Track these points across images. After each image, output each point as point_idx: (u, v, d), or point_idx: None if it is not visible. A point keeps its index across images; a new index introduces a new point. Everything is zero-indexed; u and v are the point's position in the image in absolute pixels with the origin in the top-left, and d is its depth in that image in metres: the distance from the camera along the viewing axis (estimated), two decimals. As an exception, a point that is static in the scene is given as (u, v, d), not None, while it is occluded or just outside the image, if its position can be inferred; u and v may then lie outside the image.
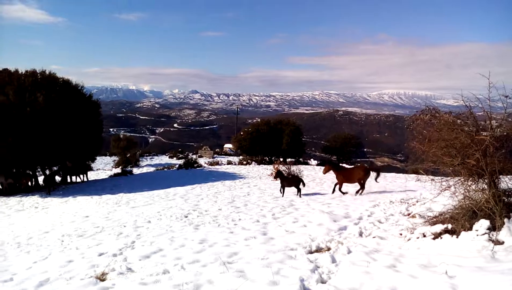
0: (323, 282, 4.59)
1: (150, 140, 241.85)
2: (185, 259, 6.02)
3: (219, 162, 32.81)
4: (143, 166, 36.28)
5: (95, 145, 23.10)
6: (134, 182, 20.32)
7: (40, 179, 22.04)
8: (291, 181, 12.73)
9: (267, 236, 7.15)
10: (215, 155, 47.20)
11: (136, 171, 30.02)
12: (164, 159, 44.50)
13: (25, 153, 17.79)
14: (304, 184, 12.67)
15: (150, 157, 47.36)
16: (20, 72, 19.97)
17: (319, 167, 25.27)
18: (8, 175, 18.98)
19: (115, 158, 40.86)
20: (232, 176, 20.05)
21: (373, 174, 11.71)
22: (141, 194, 15.35)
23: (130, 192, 16.26)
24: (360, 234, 6.80)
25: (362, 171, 11.04)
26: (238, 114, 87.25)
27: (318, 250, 6.08)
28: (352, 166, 11.18)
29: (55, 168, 22.44)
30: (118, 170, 30.95)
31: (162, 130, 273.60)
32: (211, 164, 31.65)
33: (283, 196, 12.36)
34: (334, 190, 12.07)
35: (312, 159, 37.93)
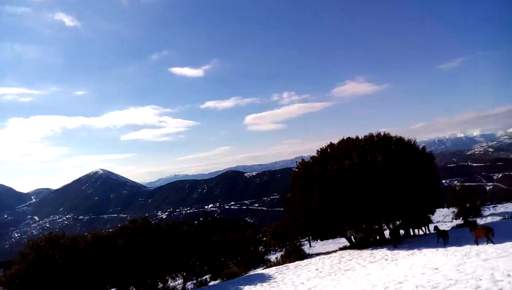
0: None
1: (487, 187, 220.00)
2: None
3: None
4: (486, 216, 32.79)
5: (433, 197, 22.89)
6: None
7: (385, 233, 23.96)
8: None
9: None
10: None
11: (479, 221, 27.52)
12: (510, 207, 38.70)
13: (370, 209, 19.66)
14: None
15: (493, 205, 42.52)
16: (359, 138, 22.93)
17: None
18: (358, 230, 21.70)
19: (453, 209, 39.31)
20: None
21: None
22: (491, 245, 13.99)
23: (479, 244, 15.17)
24: None
25: (484, 230, 14.63)
26: None
27: None
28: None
29: (397, 222, 23.92)
30: (459, 221, 29.60)
31: (500, 175, 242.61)
32: None
33: None
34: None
35: None
